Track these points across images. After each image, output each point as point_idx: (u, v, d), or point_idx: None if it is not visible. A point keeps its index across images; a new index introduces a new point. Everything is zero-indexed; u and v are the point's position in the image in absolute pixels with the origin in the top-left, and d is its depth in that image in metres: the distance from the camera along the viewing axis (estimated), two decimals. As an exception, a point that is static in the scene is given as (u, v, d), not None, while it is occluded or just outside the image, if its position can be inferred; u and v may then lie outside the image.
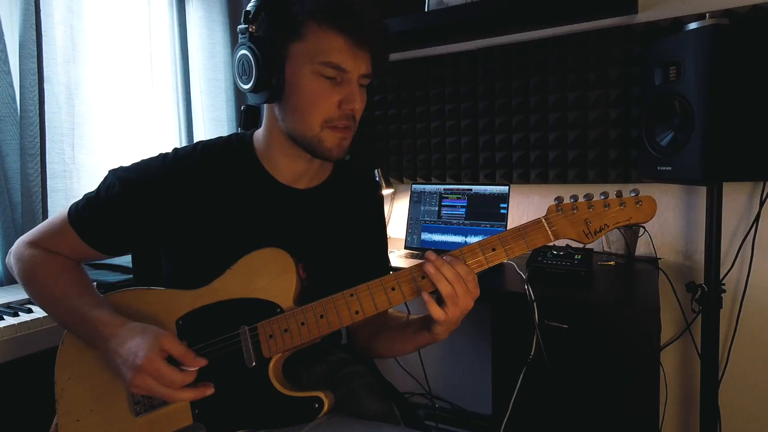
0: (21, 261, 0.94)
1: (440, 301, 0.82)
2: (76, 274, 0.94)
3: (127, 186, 0.93)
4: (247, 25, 0.87)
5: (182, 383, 0.81)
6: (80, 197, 0.96)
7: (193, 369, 0.83)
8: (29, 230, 0.98)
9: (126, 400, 0.88)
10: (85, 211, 0.94)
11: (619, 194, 0.82)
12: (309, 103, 0.87)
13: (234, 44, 2.10)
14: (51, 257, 0.94)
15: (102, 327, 0.84)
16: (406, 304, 0.88)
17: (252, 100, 0.92)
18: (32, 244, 0.95)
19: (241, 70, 0.89)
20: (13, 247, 0.97)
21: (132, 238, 0.96)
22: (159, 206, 0.93)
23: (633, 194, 0.82)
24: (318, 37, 0.84)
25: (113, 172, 0.96)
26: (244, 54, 0.87)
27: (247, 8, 0.87)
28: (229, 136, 1.01)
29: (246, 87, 0.89)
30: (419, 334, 0.92)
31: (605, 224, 0.82)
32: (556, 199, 0.83)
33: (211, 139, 1.01)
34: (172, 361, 0.81)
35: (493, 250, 0.83)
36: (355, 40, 0.84)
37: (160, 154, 0.97)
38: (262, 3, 0.87)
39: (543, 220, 0.83)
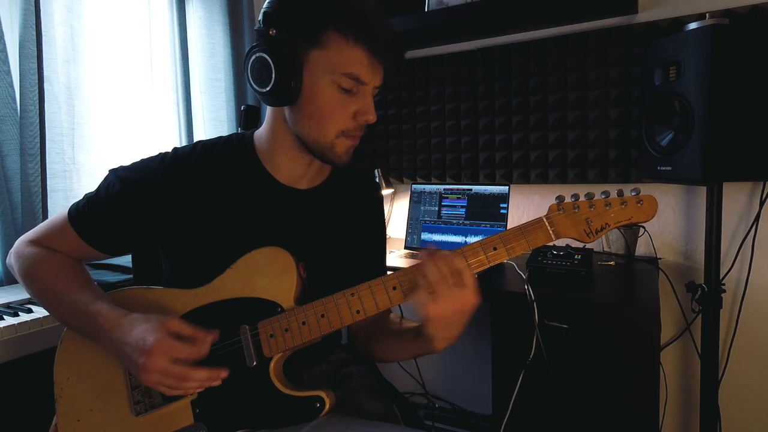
0: (21, 259, 0.94)
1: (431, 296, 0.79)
2: (75, 270, 0.94)
3: (128, 185, 0.93)
4: (266, 28, 0.85)
5: (198, 355, 0.81)
6: (80, 197, 0.96)
7: (207, 343, 0.82)
8: (29, 230, 0.98)
9: (126, 400, 0.88)
10: (85, 210, 0.94)
11: (620, 193, 0.82)
12: (327, 113, 0.88)
13: (234, 44, 2.10)
14: (51, 255, 0.94)
15: (103, 320, 0.84)
16: (399, 306, 0.87)
17: (265, 102, 0.92)
18: (33, 242, 0.95)
19: (257, 72, 0.87)
20: (14, 246, 0.97)
21: (132, 237, 0.96)
22: (159, 206, 0.93)
23: (634, 193, 0.82)
24: (340, 48, 0.84)
25: (113, 172, 0.96)
26: (261, 57, 0.86)
27: (266, 9, 0.86)
28: (230, 136, 1.01)
29: (262, 90, 0.87)
30: (416, 341, 0.90)
31: (606, 223, 0.82)
32: (557, 198, 0.83)
33: (211, 139, 1.01)
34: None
35: (495, 249, 0.83)
36: (375, 53, 0.85)
37: (160, 154, 0.97)
38: (282, 6, 0.85)
39: (544, 219, 0.83)
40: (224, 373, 0.84)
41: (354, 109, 0.89)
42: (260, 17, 0.87)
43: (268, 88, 0.86)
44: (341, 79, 0.85)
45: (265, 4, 0.87)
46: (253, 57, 0.87)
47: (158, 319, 0.82)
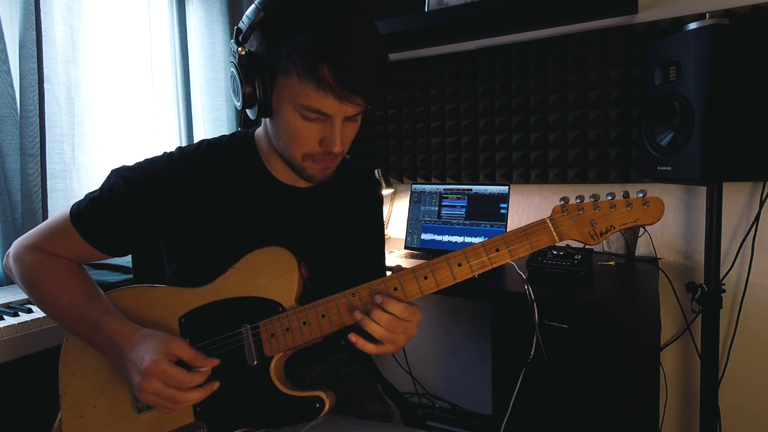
0: (23, 266, 0.92)
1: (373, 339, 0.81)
2: (81, 279, 0.93)
3: (133, 185, 0.92)
4: (237, 45, 0.84)
5: (191, 384, 0.81)
6: (80, 197, 0.95)
7: (205, 369, 0.83)
8: (29, 230, 0.96)
9: (129, 397, 0.89)
10: (88, 211, 0.92)
11: (626, 195, 0.81)
12: (290, 136, 0.86)
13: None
14: (54, 262, 0.92)
15: (115, 335, 0.84)
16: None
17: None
18: (33, 247, 0.93)
19: (233, 85, 0.87)
20: (12, 250, 0.94)
21: (136, 237, 0.95)
22: (165, 205, 0.92)
23: (640, 195, 0.80)
24: (300, 82, 0.79)
25: (116, 172, 0.94)
26: (232, 72, 0.86)
27: (239, 26, 0.84)
28: (234, 134, 1.01)
29: (237, 104, 0.88)
30: None
31: (611, 225, 0.81)
32: (561, 199, 0.82)
33: (215, 138, 1.01)
34: (183, 366, 0.81)
35: (497, 250, 0.82)
36: (332, 90, 0.79)
37: (165, 153, 0.96)
38: (253, 26, 0.83)
39: (548, 221, 0.82)
40: (215, 385, 0.84)
41: (320, 137, 0.85)
42: (233, 33, 0.85)
43: (239, 105, 0.87)
44: (302, 110, 0.82)
45: (241, 19, 0.85)
46: (229, 71, 0.87)
47: (162, 340, 0.82)
